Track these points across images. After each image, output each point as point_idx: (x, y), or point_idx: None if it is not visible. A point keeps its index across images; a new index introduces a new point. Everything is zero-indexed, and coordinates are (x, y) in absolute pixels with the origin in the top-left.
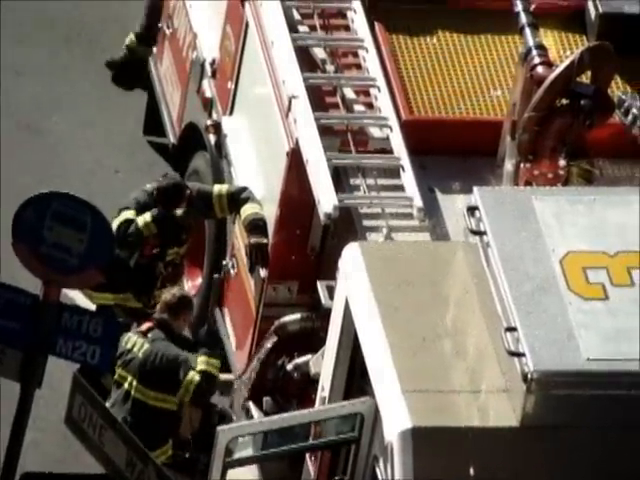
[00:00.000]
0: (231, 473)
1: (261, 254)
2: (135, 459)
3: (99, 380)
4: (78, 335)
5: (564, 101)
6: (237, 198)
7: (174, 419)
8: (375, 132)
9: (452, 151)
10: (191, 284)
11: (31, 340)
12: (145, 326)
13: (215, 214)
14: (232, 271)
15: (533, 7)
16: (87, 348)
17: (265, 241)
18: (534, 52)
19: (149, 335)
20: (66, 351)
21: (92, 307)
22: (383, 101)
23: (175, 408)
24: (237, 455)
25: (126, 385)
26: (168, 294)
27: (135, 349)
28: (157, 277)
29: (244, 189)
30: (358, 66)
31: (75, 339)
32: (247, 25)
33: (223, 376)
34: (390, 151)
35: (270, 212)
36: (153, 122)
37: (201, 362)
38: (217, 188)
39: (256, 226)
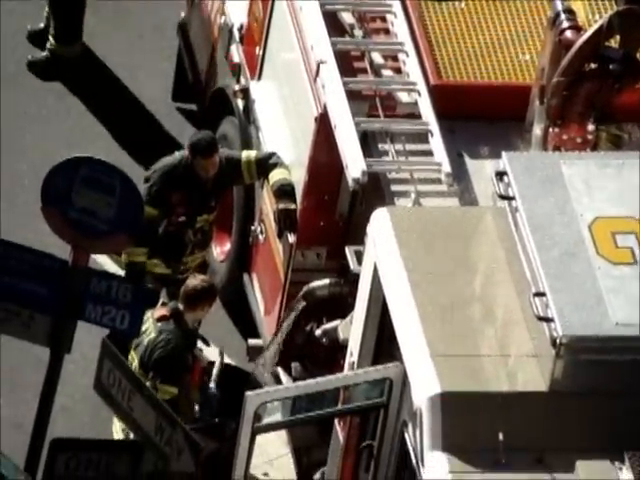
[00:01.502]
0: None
1: (289, 220)
2: (164, 424)
3: (128, 346)
4: (107, 300)
5: (593, 65)
6: (265, 164)
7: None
8: (403, 97)
9: (481, 116)
10: (220, 250)
11: (60, 305)
12: (158, 314)
13: (244, 180)
14: (260, 236)
15: None
16: (116, 313)
17: (293, 207)
18: (562, 16)
19: (159, 324)
20: (95, 316)
21: (121, 273)
22: (411, 66)
23: (167, 398)
24: (266, 421)
25: (133, 367)
26: (189, 283)
27: (145, 334)
28: (186, 244)
29: (272, 154)
30: (386, 31)
31: (104, 304)
32: None
33: (252, 341)
34: (418, 116)
35: (298, 177)
36: (181, 88)
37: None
38: (245, 154)
39: (284, 191)
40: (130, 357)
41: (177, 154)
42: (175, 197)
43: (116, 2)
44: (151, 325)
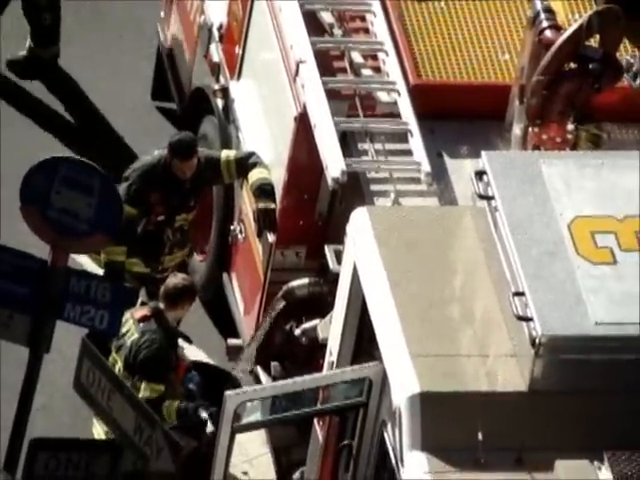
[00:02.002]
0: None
1: (269, 219)
2: (143, 424)
3: (107, 345)
4: (86, 300)
5: (572, 65)
6: (245, 163)
7: (154, 406)
8: (383, 96)
9: (460, 115)
10: (199, 249)
11: (39, 305)
12: (139, 314)
13: (223, 180)
14: (240, 236)
15: None
16: (95, 313)
17: (273, 206)
18: (542, 16)
19: (141, 325)
20: (74, 316)
21: (98, 271)
22: (391, 65)
23: (155, 396)
24: (245, 420)
25: (116, 369)
26: (170, 282)
27: (126, 336)
28: (165, 243)
29: (252, 154)
30: (366, 30)
31: (83, 304)
32: None
33: (231, 341)
34: (398, 115)
35: (278, 177)
36: (161, 87)
37: (144, 389)
38: (225, 154)
39: (264, 191)
40: (112, 359)
41: (156, 153)
42: (154, 196)
43: (95, 2)
44: (132, 326)
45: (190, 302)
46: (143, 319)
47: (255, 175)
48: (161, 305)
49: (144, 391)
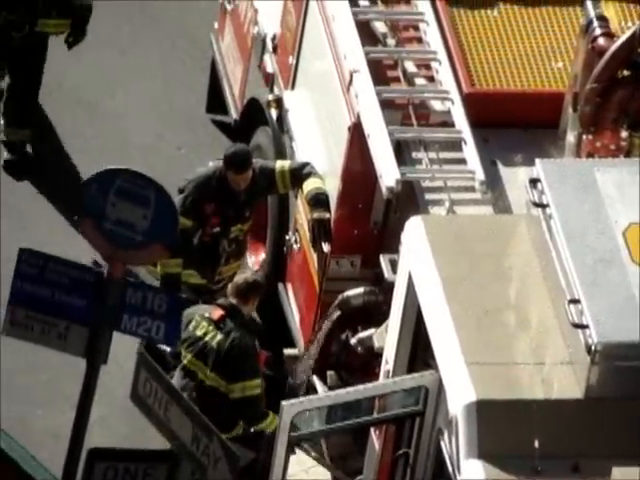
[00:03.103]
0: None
1: (324, 229)
2: (200, 434)
3: (164, 356)
4: (143, 311)
5: (626, 72)
6: (299, 173)
7: (259, 401)
8: (436, 105)
9: (514, 123)
10: (254, 259)
11: (96, 316)
12: (217, 314)
13: (277, 190)
14: (295, 246)
15: None
16: (152, 324)
17: (327, 216)
18: (595, 23)
19: (222, 325)
20: (131, 327)
21: (156, 284)
22: (444, 74)
23: (260, 392)
24: (302, 430)
25: (200, 374)
26: (239, 278)
27: (207, 338)
28: (221, 254)
29: (306, 164)
30: (419, 39)
31: (140, 315)
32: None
33: (287, 351)
34: (452, 124)
35: (332, 187)
36: (216, 100)
37: (239, 389)
38: (279, 164)
39: (318, 200)
40: (188, 364)
41: (211, 165)
42: (209, 208)
43: (150, 13)
44: (210, 328)
45: (258, 297)
46: (221, 319)
47: (310, 185)
48: (233, 301)
49: (250, 390)
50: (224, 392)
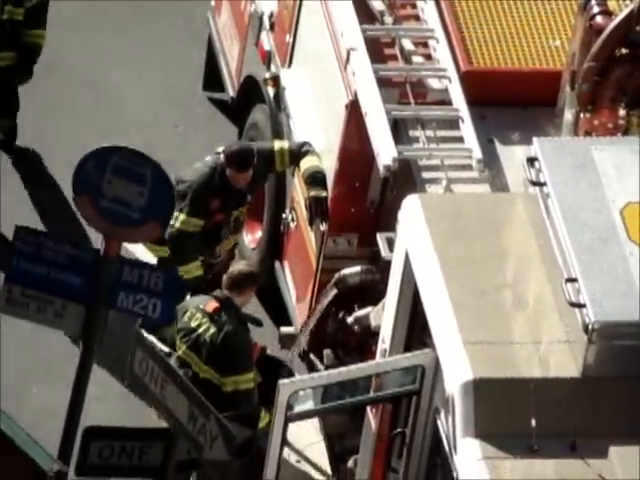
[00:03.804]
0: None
1: (320, 207)
2: (197, 412)
3: (160, 334)
4: (139, 289)
5: (624, 50)
6: (298, 152)
7: (252, 394)
8: (434, 83)
9: (511, 102)
10: (251, 237)
11: (92, 294)
12: (211, 307)
13: (275, 169)
14: (292, 224)
15: None
16: (148, 301)
17: (325, 194)
18: (593, 1)
19: (216, 317)
20: (127, 305)
21: (153, 261)
22: (442, 52)
23: (253, 385)
24: (298, 409)
25: (193, 366)
26: (234, 269)
27: (201, 330)
28: (222, 237)
29: (304, 143)
30: (416, 17)
31: (136, 293)
32: None
33: (284, 329)
34: (449, 102)
35: (329, 165)
36: (212, 77)
37: (231, 383)
38: (278, 144)
39: (315, 179)
40: (183, 355)
41: (209, 161)
42: (213, 204)
43: None
44: (203, 320)
45: (254, 287)
46: (216, 311)
47: (307, 163)
48: (227, 293)
49: (243, 384)
50: (217, 385)
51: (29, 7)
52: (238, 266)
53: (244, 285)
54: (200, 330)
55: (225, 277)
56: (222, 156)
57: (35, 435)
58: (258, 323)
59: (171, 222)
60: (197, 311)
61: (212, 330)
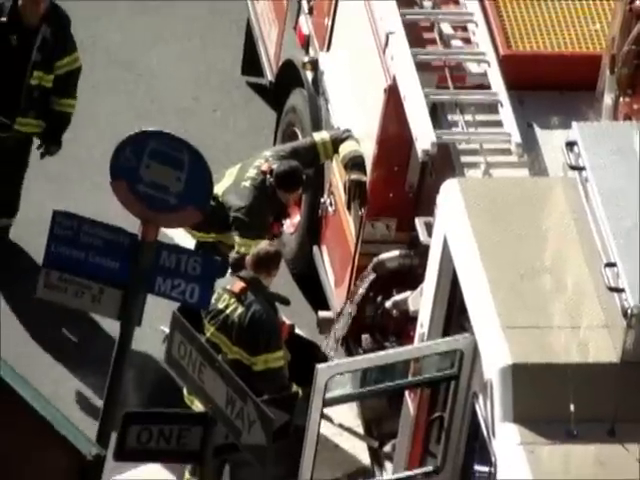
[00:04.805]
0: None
1: (360, 191)
2: (234, 396)
3: (198, 319)
4: (176, 273)
5: None
6: (338, 139)
7: (282, 373)
8: (473, 67)
9: (551, 86)
10: (289, 222)
11: (130, 279)
12: (238, 287)
13: (320, 161)
14: (330, 208)
15: None
16: (185, 286)
17: (364, 178)
18: None
19: (243, 297)
20: (165, 289)
21: (191, 245)
22: (481, 36)
23: (282, 363)
24: (336, 393)
25: (223, 347)
26: (259, 249)
27: (228, 311)
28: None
29: (344, 130)
30: (455, 1)
31: (173, 277)
32: None
33: (322, 313)
34: (488, 86)
35: (368, 149)
36: (251, 61)
37: (261, 362)
38: (319, 137)
39: (356, 163)
40: (211, 336)
41: (256, 180)
42: (268, 221)
43: None
44: (231, 301)
45: (279, 267)
46: (243, 291)
47: (346, 148)
48: (253, 274)
49: (273, 362)
50: (247, 365)
51: (60, 75)
52: (263, 247)
53: (270, 265)
54: (228, 311)
55: (250, 257)
56: (269, 176)
57: (73, 419)
58: (285, 302)
59: (236, 248)
60: (224, 292)
61: (240, 310)
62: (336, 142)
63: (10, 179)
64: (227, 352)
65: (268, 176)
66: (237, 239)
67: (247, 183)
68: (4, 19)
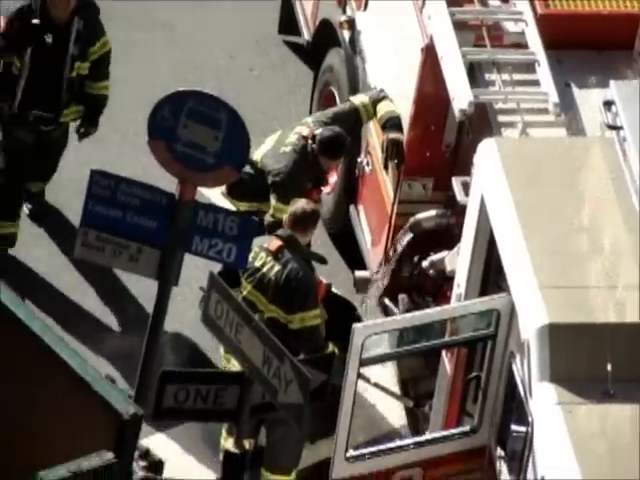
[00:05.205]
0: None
1: (397, 150)
2: (271, 356)
3: (235, 278)
4: (214, 233)
5: None
6: (377, 100)
7: (318, 331)
8: (510, 26)
9: (588, 45)
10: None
11: (168, 238)
12: (275, 245)
13: (362, 124)
14: (367, 168)
15: None
16: (223, 246)
17: (402, 138)
18: None
19: (280, 256)
20: (202, 249)
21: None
22: None
23: (319, 321)
24: (372, 353)
25: (259, 305)
26: (296, 208)
27: (265, 269)
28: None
29: (379, 90)
30: None
31: (211, 237)
32: None
33: (358, 273)
34: (525, 46)
35: (405, 109)
36: (288, 21)
37: (297, 320)
38: (358, 100)
39: (394, 123)
40: (248, 294)
41: (297, 146)
42: (307, 187)
43: None
44: (268, 259)
45: (316, 225)
46: (279, 250)
47: (383, 108)
48: (289, 232)
49: (309, 320)
50: (283, 323)
51: (94, 60)
52: (301, 205)
53: (307, 223)
54: (264, 269)
55: (287, 216)
56: (310, 142)
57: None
58: (322, 260)
59: (270, 211)
60: (261, 250)
61: (276, 268)
62: (375, 102)
63: (52, 164)
64: (264, 310)
65: (310, 141)
66: (274, 203)
67: (287, 148)
68: (37, 21)
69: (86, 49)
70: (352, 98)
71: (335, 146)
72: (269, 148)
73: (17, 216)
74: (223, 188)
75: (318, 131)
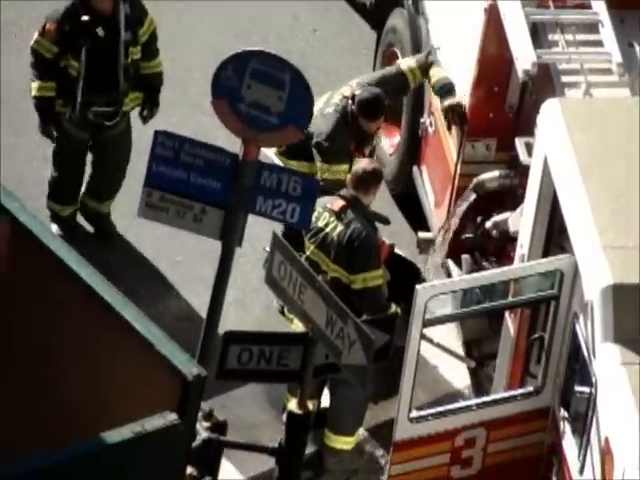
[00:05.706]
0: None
1: (457, 114)
2: (335, 317)
3: (299, 239)
4: (277, 193)
5: None
6: (425, 65)
7: (380, 292)
8: None
9: None
10: (389, 143)
11: (231, 199)
12: (338, 205)
13: (410, 87)
14: (430, 129)
15: None
16: (286, 206)
17: (458, 101)
18: None
19: (343, 216)
20: (266, 209)
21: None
22: None
23: (381, 282)
24: (435, 313)
25: (322, 265)
26: (358, 168)
27: (328, 229)
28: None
29: (428, 54)
30: None
31: (274, 197)
32: None
33: (421, 234)
34: (589, 6)
35: (468, 69)
36: None
37: (360, 280)
38: (406, 64)
39: (448, 90)
40: (311, 254)
41: (339, 106)
42: (350, 147)
43: None
44: (331, 219)
45: (378, 185)
46: (342, 210)
47: (435, 75)
48: (353, 192)
49: (372, 281)
50: (346, 283)
51: (144, 42)
52: (363, 164)
53: (370, 183)
54: (328, 229)
55: (350, 176)
56: (350, 102)
57: (174, 339)
58: (385, 221)
59: (318, 174)
60: (324, 210)
61: (339, 228)
62: (422, 67)
63: (120, 166)
64: (326, 270)
65: (350, 102)
66: (319, 164)
67: (331, 109)
68: (86, 17)
69: (136, 32)
70: (399, 61)
71: (373, 107)
72: (318, 110)
73: (75, 201)
74: None
75: (358, 92)
